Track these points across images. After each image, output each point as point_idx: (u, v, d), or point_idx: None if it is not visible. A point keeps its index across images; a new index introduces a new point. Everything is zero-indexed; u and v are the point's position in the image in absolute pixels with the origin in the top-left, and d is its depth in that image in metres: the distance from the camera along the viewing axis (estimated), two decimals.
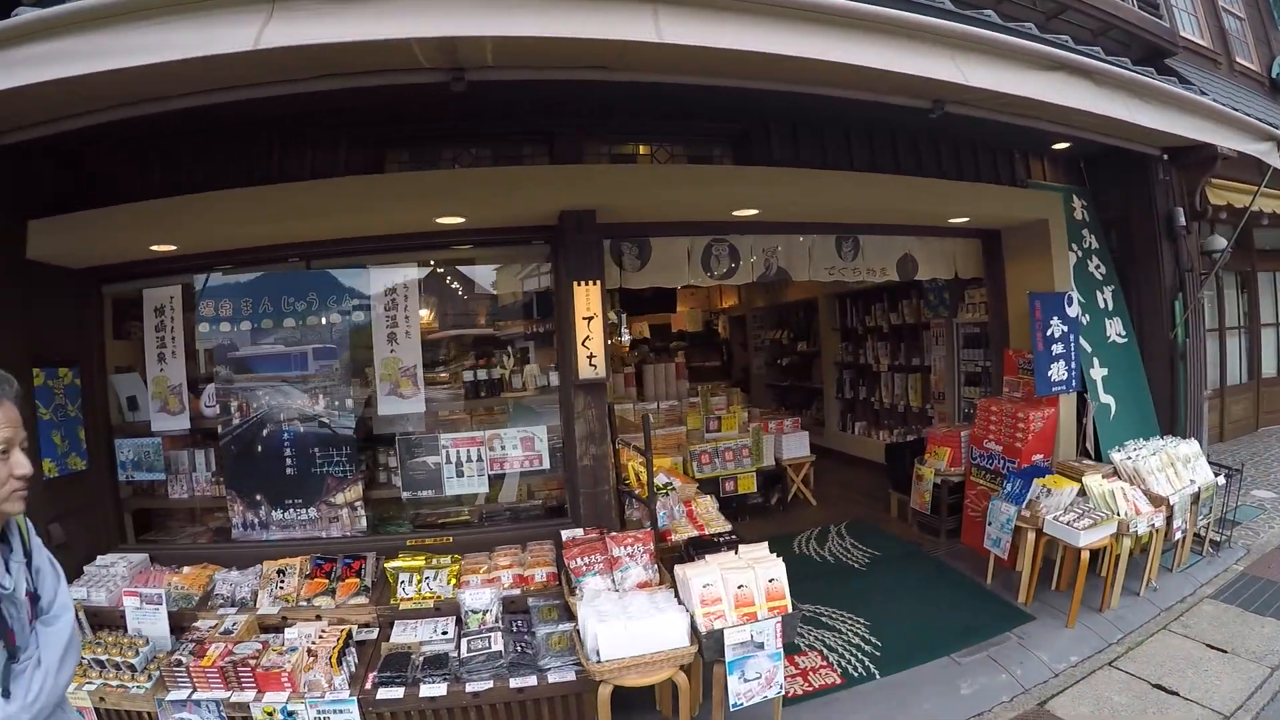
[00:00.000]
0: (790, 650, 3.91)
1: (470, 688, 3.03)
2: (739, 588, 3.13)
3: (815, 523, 6.17)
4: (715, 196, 4.29)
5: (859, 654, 3.93)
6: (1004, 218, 5.25)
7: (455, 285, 4.77)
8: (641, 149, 4.86)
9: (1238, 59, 8.29)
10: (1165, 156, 5.23)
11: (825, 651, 3.97)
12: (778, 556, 3.29)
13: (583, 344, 4.02)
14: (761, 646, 3.05)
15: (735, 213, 4.53)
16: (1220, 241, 6.15)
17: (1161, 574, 4.72)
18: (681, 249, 4.87)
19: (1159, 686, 3.58)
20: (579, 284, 3.98)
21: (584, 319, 4.02)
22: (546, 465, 4.34)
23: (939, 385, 6.92)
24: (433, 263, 4.50)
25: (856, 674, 3.74)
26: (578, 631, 3.14)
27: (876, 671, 3.75)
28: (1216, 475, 5.03)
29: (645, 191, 4.16)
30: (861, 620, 4.31)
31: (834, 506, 6.66)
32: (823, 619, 4.36)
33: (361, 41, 2.22)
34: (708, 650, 3.01)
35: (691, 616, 3.05)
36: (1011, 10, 4.41)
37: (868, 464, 7.85)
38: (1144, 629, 4.17)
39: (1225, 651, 3.91)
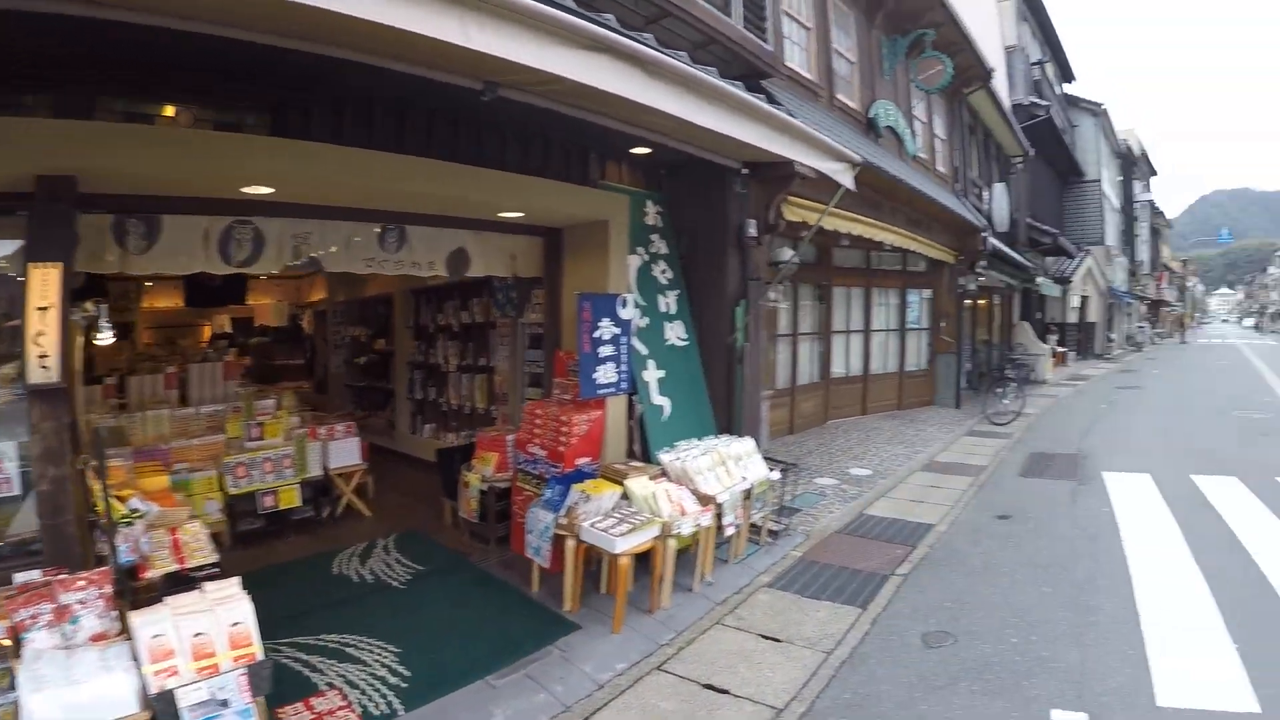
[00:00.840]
0: (306, 691, 3.68)
1: None
2: (196, 636, 2.80)
3: (365, 537, 6.03)
4: (223, 168, 3.88)
5: (384, 687, 3.78)
6: (563, 216, 5.57)
7: None
8: (167, 110, 4.25)
9: (839, 96, 9.86)
10: (745, 170, 5.97)
11: (347, 689, 3.75)
12: (245, 593, 3.01)
13: (34, 340, 3.36)
14: (226, 704, 2.76)
15: (246, 189, 4.16)
16: (787, 253, 7.29)
17: (718, 567, 5.15)
18: (198, 230, 4.39)
19: (709, 686, 3.73)
20: (35, 267, 3.33)
21: (38, 309, 3.36)
22: (18, 490, 3.65)
23: (503, 387, 7.27)
24: None
25: (379, 712, 3.58)
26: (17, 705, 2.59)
27: (401, 707, 3.61)
28: (772, 470, 5.76)
29: (135, 156, 3.60)
30: (393, 648, 4.17)
31: (390, 517, 6.62)
32: (349, 650, 4.15)
33: None
34: (162, 715, 2.64)
35: (143, 676, 2.67)
36: (606, 8, 4.44)
37: (435, 469, 7.96)
38: (696, 626, 4.41)
39: (780, 641, 4.20)
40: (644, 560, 4.55)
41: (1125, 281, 38.14)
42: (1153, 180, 49.64)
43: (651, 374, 5.88)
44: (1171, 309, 66.30)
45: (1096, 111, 30.99)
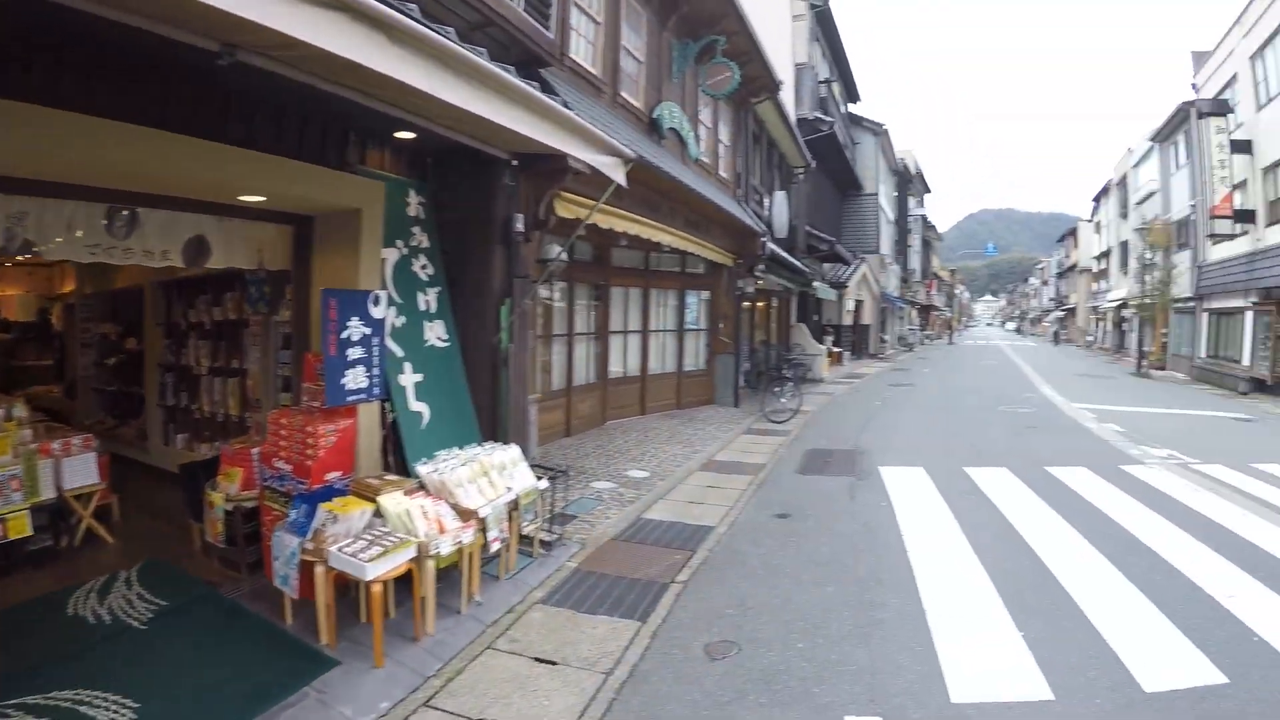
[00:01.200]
0: None
1: None
2: None
3: (106, 568, 5.35)
4: None
5: None
6: (314, 203, 5.32)
7: None
8: None
9: (624, 94, 10.13)
10: (515, 162, 5.95)
11: None
12: None
13: None
14: None
15: None
16: (555, 250, 7.30)
17: (488, 584, 5.02)
18: None
19: None
20: None
21: None
22: None
23: (255, 391, 6.80)
24: None
25: None
26: None
27: None
28: (541, 478, 5.67)
29: None
30: (130, 702, 3.64)
31: (136, 544, 5.95)
32: (83, 709, 3.59)
33: None
34: None
35: None
36: None
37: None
38: (466, 652, 4.21)
39: (555, 664, 4.08)
40: (407, 583, 4.34)
41: (898, 287, 42.42)
42: (926, 197, 55.41)
43: (408, 378, 5.74)
44: (940, 313, 74.33)
45: (878, 131, 34.19)
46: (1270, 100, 20.56)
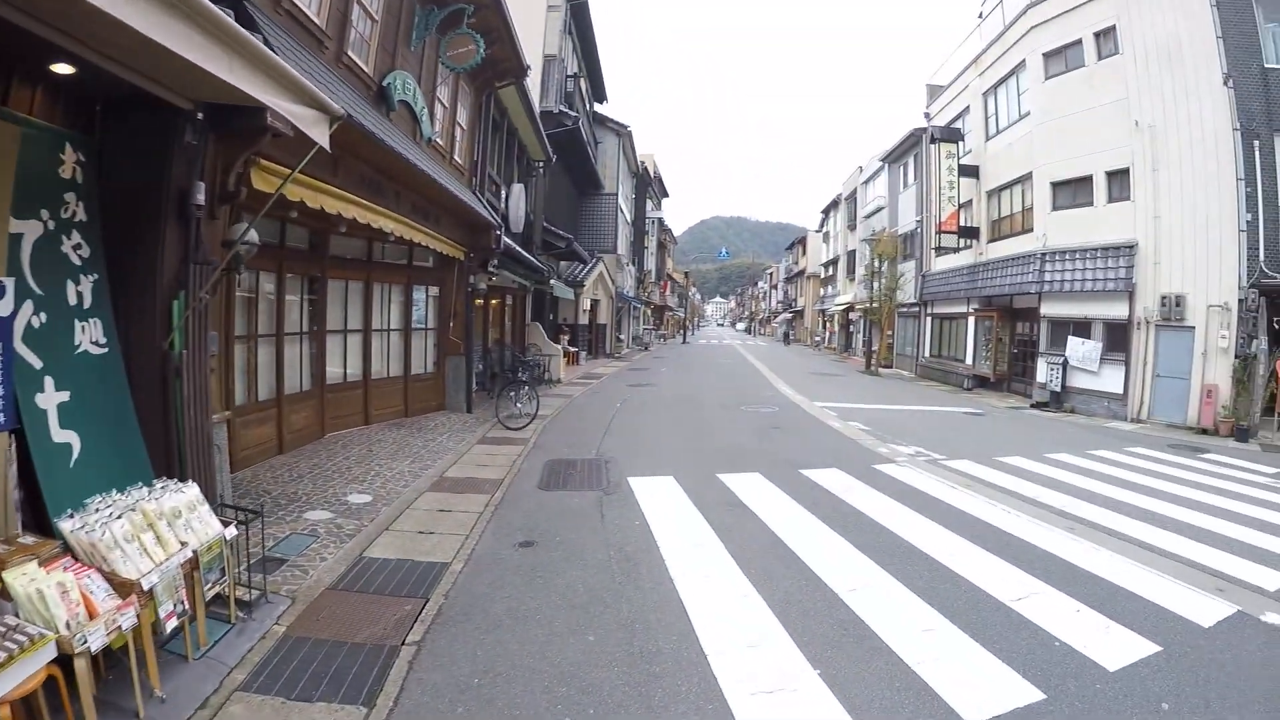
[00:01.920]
0: None
1: None
2: None
3: None
4: None
5: None
6: None
7: None
8: None
9: (351, 53, 9.19)
10: (201, 115, 4.90)
11: None
12: None
13: None
14: None
15: None
16: (241, 229, 5.97)
17: (174, 668, 4.00)
18: None
19: None
20: None
21: None
22: None
23: None
24: None
25: None
26: None
27: None
28: (228, 524, 4.64)
29: None
30: None
31: None
32: None
33: None
34: None
35: None
36: None
37: None
38: None
39: None
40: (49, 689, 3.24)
41: (634, 288, 43.85)
42: (664, 201, 57.92)
43: (50, 397, 4.45)
44: (674, 313, 78.14)
45: (621, 132, 35.00)
46: (999, 132, 23.93)
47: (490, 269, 13.91)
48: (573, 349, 26.69)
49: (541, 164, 20.95)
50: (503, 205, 16.33)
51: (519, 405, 12.91)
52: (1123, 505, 8.52)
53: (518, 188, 17.03)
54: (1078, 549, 6.74)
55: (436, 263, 13.12)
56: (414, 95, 10.57)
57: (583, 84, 28.33)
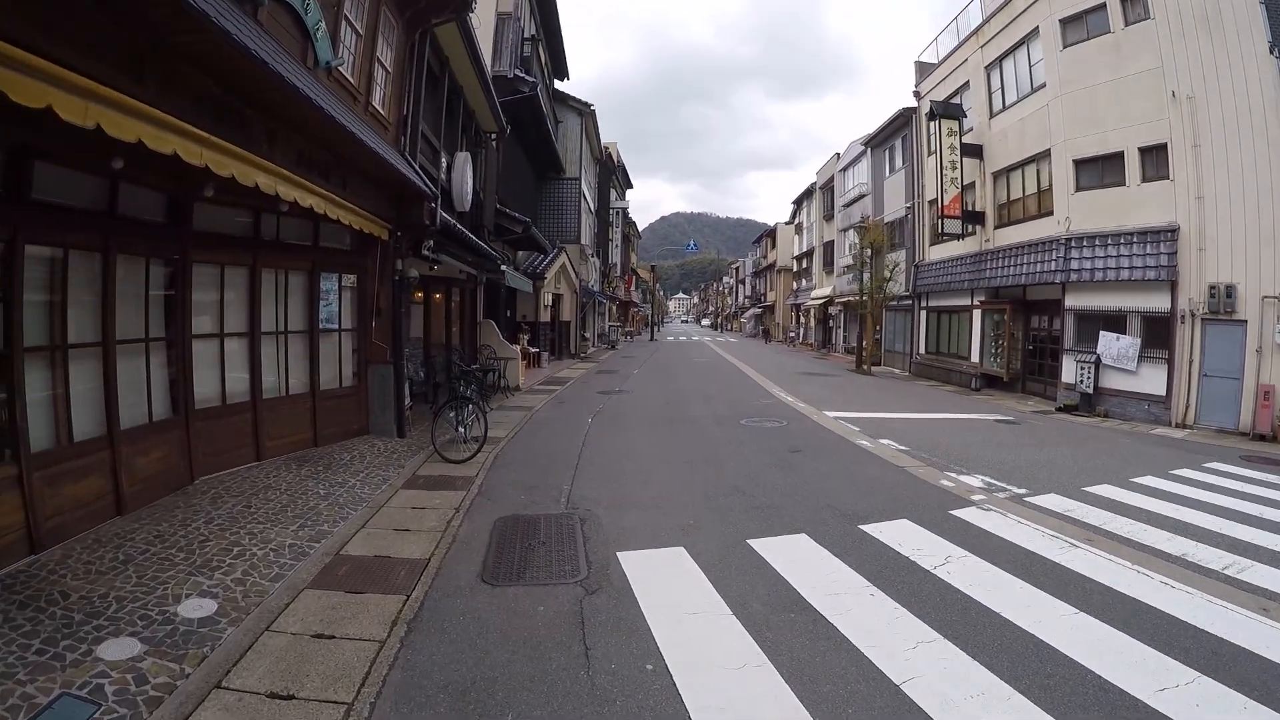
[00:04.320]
0: None
1: None
2: None
3: None
4: None
5: None
6: None
7: None
8: None
9: None
10: None
11: None
12: None
13: None
14: None
15: None
16: None
17: None
18: None
19: None
20: None
21: None
22: None
23: None
24: None
25: None
26: None
27: None
28: None
29: None
30: None
31: None
32: None
33: None
34: None
35: None
36: None
37: None
38: None
39: None
40: None
41: (599, 282, 40.80)
42: (627, 193, 55.12)
43: None
44: (639, 309, 75.57)
45: (584, 112, 32.01)
46: (1006, 108, 21.56)
47: (427, 253, 10.86)
48: (533, 349, 23.68)
49: (494, 136, 17.89)
50: (443, 175, 13.25)
51: (461, 430, 9.91)
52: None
53: (462, 156, 13.92)
54: None
55: (354, 244, 10.02)
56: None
57: (542, 53, 25.32)
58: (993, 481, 9.11)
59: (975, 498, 8.20)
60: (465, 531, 6.60)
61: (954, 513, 7.53)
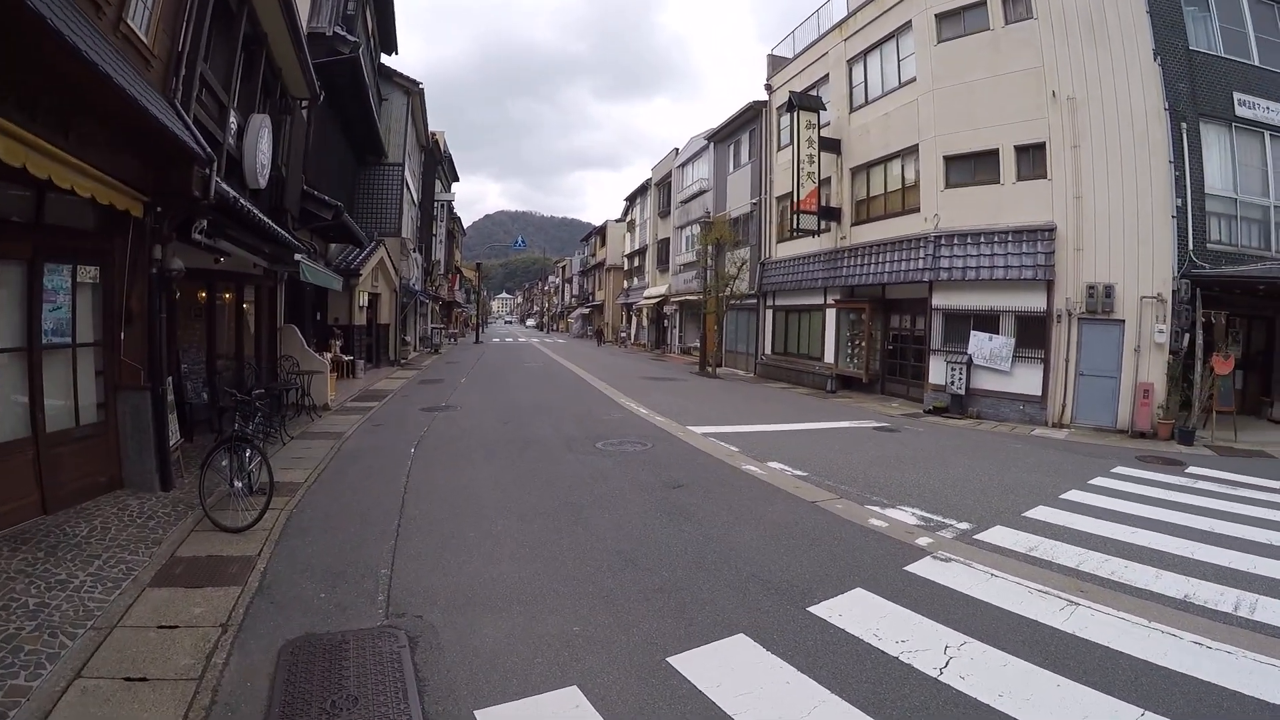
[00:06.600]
0: None
1: None
2: None
3: None
4: None
5: None
6: None
7: None
8: None
9: None
10: None
11: None
12: None
13: None
14: None
15: None
16: None
17: None
18: None
19: None
20: None
21: None
22: None
23: None
24: None
25: None
26: None
27: None
28: None
29: None
30: None
31: None
32: None
33: None
34: None
35: None
36: None
37: None
38: None
39: None
40: None
41: (421, 280, 37.64)
42: (453, 186, 51.94)
43: None
44: (463, 309, 72.14)
45: (412, 90, 29.11)
46: (869, 102, 21.09)
47: (199, 236, 8.13)
48: (347, 358, 20.66)
49: (305, 103, 15.02)
50: (231, 141, 10.44)
51: (239, 485, 7.27)
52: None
53: (259, 119, 11.06)
54: None
55: (98, 223, 7.20)
56: None
57: (369, 18, 22.37)
58: (927, 516, 7.87)
59: (921, 541, 6.88)
60: (233, 676, 4.11)
61: (910, 569, 6.10)
